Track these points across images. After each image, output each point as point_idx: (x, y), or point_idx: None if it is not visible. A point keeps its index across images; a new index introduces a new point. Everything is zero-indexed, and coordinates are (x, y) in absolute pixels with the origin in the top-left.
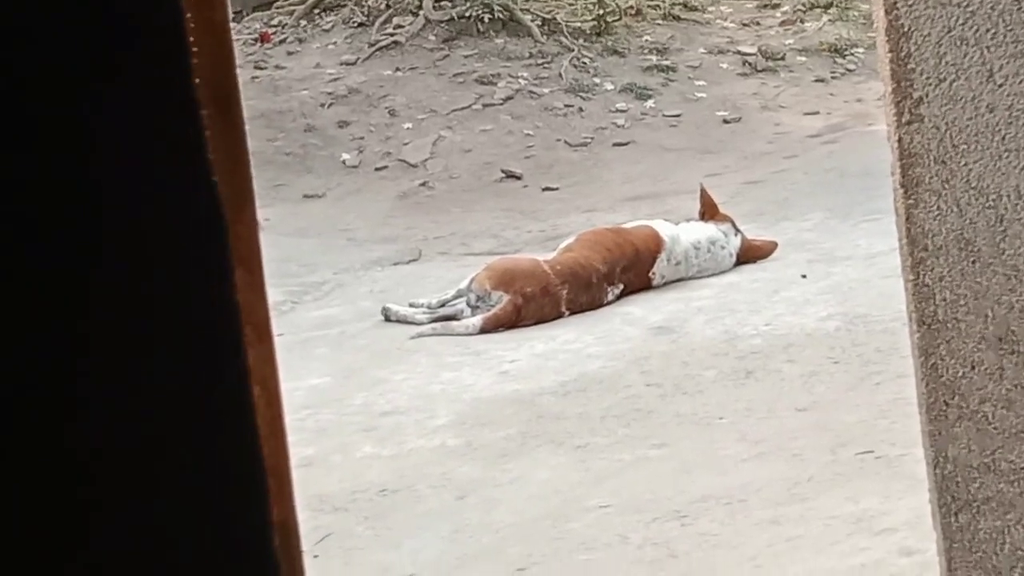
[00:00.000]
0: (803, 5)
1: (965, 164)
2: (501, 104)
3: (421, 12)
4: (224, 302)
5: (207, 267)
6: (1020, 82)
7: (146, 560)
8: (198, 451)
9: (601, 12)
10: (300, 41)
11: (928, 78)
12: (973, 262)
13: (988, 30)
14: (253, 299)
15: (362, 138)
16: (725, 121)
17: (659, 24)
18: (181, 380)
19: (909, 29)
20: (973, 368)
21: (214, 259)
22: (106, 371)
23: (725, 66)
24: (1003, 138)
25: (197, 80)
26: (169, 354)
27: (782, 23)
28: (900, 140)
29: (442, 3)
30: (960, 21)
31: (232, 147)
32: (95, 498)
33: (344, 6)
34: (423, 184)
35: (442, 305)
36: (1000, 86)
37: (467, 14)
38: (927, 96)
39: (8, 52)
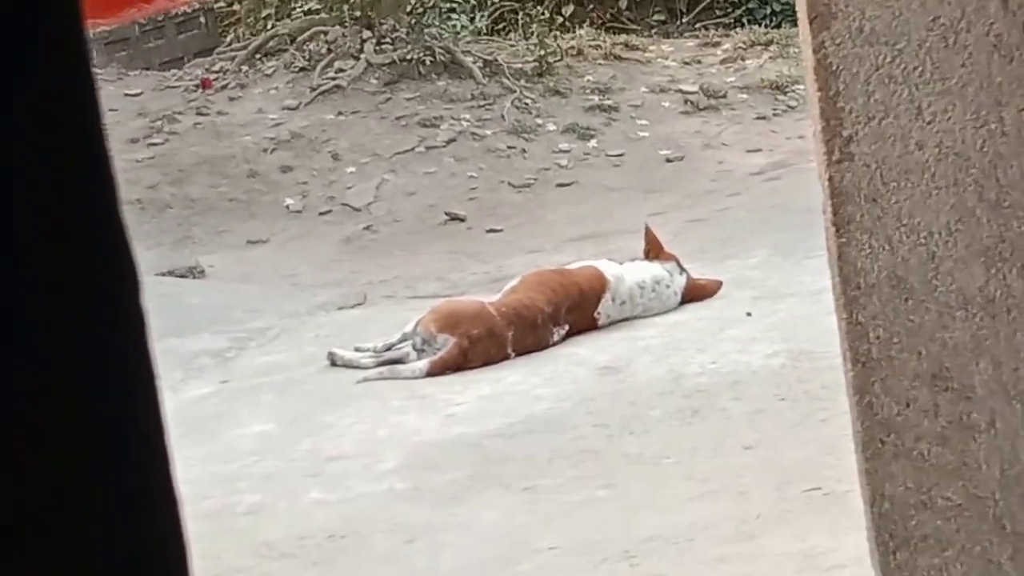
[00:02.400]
0: (744, 43)
1: (896, 202)
2: (444, 146)
3: (362, 56)
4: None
5: None
6: (948, 119)
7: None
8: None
9: (543, 53)
10: (242, 87)
11: (857, 116)
12: (906, 299)
13: (916, 68)
14: None
15: (305, 183)
16: (668, 160)
17: (600, 64)
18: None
19: (837, 68)
20: (908, 405)
21: None
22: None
23: (667, 105)
24: (933, 175)
25: None
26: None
27: (723, 61)
28: (831, 178)
29: (383, 46)
30: (888, 59)
31: None
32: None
33: (285, 51)
34: (367, 228)
35: (388, 349)
36: (929, 123)
37: (408, 57)
38: (856, 134)
39: None
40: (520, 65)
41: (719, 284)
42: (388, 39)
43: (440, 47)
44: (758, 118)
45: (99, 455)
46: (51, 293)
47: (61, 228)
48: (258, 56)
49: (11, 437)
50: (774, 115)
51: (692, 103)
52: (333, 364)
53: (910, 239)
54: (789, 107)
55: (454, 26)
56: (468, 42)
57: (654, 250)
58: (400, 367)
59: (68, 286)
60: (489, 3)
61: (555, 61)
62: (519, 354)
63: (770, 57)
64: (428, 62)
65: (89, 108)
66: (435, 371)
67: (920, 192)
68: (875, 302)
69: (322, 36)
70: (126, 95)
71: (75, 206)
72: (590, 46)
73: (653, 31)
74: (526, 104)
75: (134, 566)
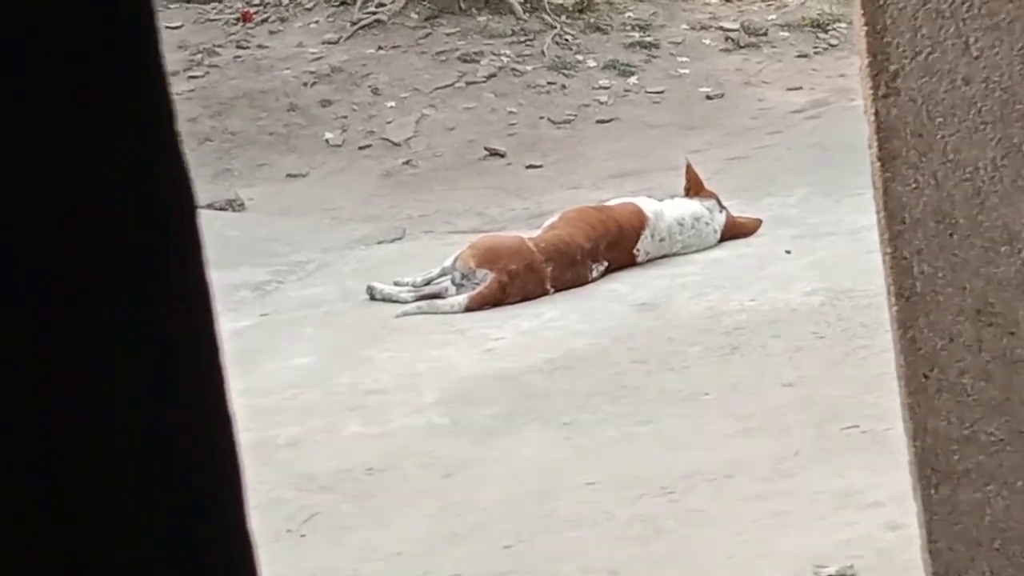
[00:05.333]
0: None
1: (942, 137)
2: (484, 82)
3: None
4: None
5: None
6: (996, 54)
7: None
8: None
9: None
10: (282, 20)
11: (904, 51)
12: (951, 235)
13: (963, 3)
14: None
15: (345, 117)
16: (708, 97)
17: (641, 0)
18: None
19: (885, 2)
20: (952, 340)
21: None
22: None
23: (708, 42)
24: (979, 111)
25: None
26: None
27: None
28: (877, 113)
29: None
30: None
31: None
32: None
33: None
34: (406, 163)
35: (427, 283)
36: (976, 58)
37: None
38: (903, 69)
39: None
40: (561, 1)
41: (759, 222)
42: None
43: None
44: (799, 56)
45: (156, 375)
46: (104, 218)
47: (116, 152)
48: None
49: (71, 366)
50: (815, 53)
51: (733, 40)
52: (372, 298)
53: (956, 174)
54: (830, 45)
55: None
56: None
57: (694, 187)
58: (439, 302)
59: (122, 210)
60: None
61: None
62: (558, 290)
63: None
64: None
65: (147, 32)
66: (474, 306)
67: (966, 127)
68: (920, 237)
69: None
70: (166, 28)
71: (130, 130)
72: None
73: None
74: (566, 40)
75: (188, 485)
